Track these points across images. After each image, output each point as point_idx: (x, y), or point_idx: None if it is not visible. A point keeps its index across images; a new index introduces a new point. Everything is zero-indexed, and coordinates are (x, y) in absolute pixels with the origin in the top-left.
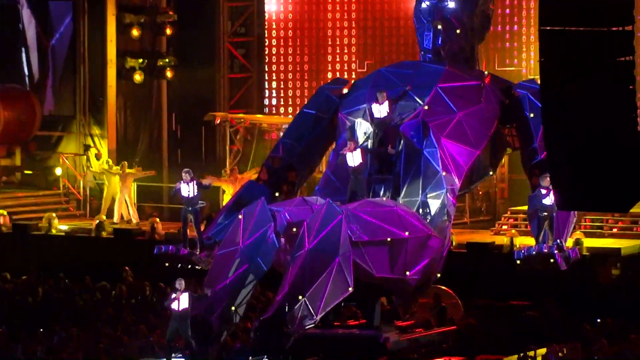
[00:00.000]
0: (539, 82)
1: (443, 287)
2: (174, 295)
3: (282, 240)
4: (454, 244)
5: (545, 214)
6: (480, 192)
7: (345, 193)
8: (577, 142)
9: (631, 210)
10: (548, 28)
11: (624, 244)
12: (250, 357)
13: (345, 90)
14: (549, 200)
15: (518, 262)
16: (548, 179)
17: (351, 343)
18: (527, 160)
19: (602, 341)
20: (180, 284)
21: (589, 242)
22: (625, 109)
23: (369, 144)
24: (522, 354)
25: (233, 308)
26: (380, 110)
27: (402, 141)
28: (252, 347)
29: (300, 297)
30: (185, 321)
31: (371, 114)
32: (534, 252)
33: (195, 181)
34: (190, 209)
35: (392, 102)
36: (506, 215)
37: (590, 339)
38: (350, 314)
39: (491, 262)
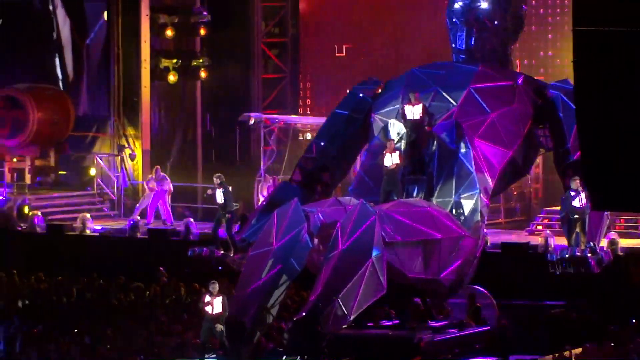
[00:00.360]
0: (572, 82)
1: (478, 287)
2: (207, 299)
3: (316, 240)
4: (488, 244)
5: (577, 216)
6: (515, 193)
7: (379, 193)
8: (611, 143)
9: None
10: (582, 28)
11: None
12: (283, 358)
13: (378, 91)
14: (579, 202)
15: (551, 265)
16: (578, 181)
17: (385, 343)
18: (559, 161)
19: (638, 340)
20: (214, 287)
21: (624, 242)
22: None
23: (402, 144)
24: (557, 354)
25: (266, 309)
26: (413, 111)
27: (435, 142)
28: (286, 348)
29: (333, 298)
30: (219, 323)
31: (404, 115)
32: (566, 256)
33: (223, 187)
34: (223, 212)
35: (423, 102)
36: (541, 215)
37: (624, 338)
38: (383, 314)
39: (526, 262)
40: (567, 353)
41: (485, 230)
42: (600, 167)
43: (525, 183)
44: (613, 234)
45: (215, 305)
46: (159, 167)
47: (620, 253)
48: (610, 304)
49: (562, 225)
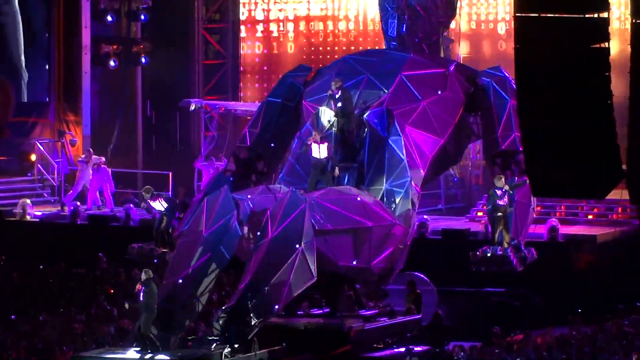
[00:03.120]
0: (503, 70)
1: (418, 274)
2: (138, 287)
3: (245, 228)
4: (428, 230)
5: (500, 214)
6: (455, 179)
7: (308, 181)
8: (552, 129)
9: (607, 197)
10: (523, 14)
11: (599, 231)
12: (213, 346)
13: (309, 78)
14: (502, 201)
15: (473, 264)
16: (503, 179)
17: (315, 332)
18: (488, 149)
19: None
20: (145, 274)
21: (565, 229)
22: (601, 96)
23: (333, 132)
24: (499, 341)
25: (196, 297)
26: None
27: (366, 129)
28: (215, 336)
29: (263, 286)
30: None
31: (333, 103)
32: (488, 254)
33: (159, 197)
34: (165, 213)
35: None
36: (481, 202)
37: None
38: (313, 302)
39: (466, 249)
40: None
41: (416, 217)
42: (541, 153)
43: (466, 169)
44: (554, 221)
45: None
46: (90, 149)
47: (560, 240)
48: (552, 291)
49: (488, 220)
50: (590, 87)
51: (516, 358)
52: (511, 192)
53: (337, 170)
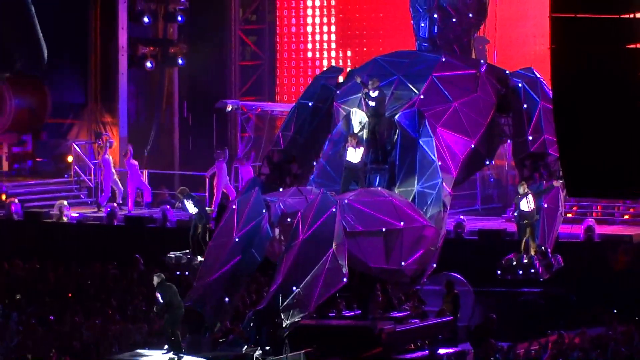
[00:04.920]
0: (535, 71)
1: (455, 274)
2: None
3: (277, 230)
4: (465, 230)
5: (525, 221)
6: (492, 179)
7: (340, 183)
8: (588, 130)
9: None
10: (559, 15)
11: (635, 231)
12: (244, 349)
13: (340, 79)
14: (527, 206)
15: (499, 271)
16: (525, 186)
17: (346, 334)
18: (517, 152)
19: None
20: (158, 277)
21: (601, 229)
22: (635, 97)
23: (364, 133)
24: (533, 341)
25: (227, 299)
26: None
27: (397, 131)
28: (246, 339)
29: (294, 288)
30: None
31: (366, 103)
32: (514, 263)
33: (191, 198)
34: (200, 217)
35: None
36: None
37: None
38: (345, 304)
39: (503, 249)
40: (543, 340)
41: (447, 219)
42: (577, 153)
43: (502, 170)
44: (590, 221)
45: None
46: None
47: (597, 240)
48: (588, 290)
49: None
50: (625, 87)
51: (552, 358)
52: (537, 198)
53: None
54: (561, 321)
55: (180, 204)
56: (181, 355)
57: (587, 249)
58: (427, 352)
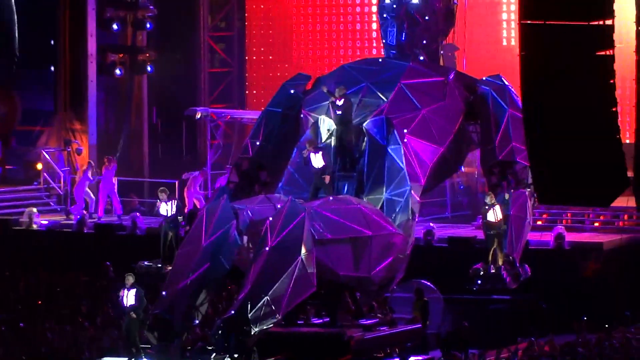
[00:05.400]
0: (503, 78)
1: (425, 282)
2: (122, 292)
3: (245, 238)
4: (434, 238)
5: (493, 231)
6: (462, 187)
7: (309, 190)
8: (558, 137)
9: (612, 205)
10: (529, 22)
11: (605, 239)
12: (212, 356)
13: (308, 87)
14: (494, 217)
15: (467, 282)
16: (492, 196)
17: (315, 341)
18: (485, 159)
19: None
20: (128, 279)
21: (571, 236)
22: (606, 103)
23: (332, 140)
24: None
25: (195, 307)
26: (339, 106)
27: (365, 138)
28: (214, 346)
29: (263, 296)
30: (135, 317)
31: (334, 111)
32: (481, 273)
33: (173, 200)
34: (171, 225)
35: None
36: None
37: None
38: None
39: (473, 256)
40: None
41: (415, 227)
42: (546, 160)
43: (472, 177)
44: (560, 228)
45: (129, 297)
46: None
47: (567, 247)
48: (558, 298)
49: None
50: (595, 94)
51: None
52: (504, 207)
53: (326, 179)
54: (531, 328)
55: (158, 203)
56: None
57: (557, 256)
58: (397, 359)
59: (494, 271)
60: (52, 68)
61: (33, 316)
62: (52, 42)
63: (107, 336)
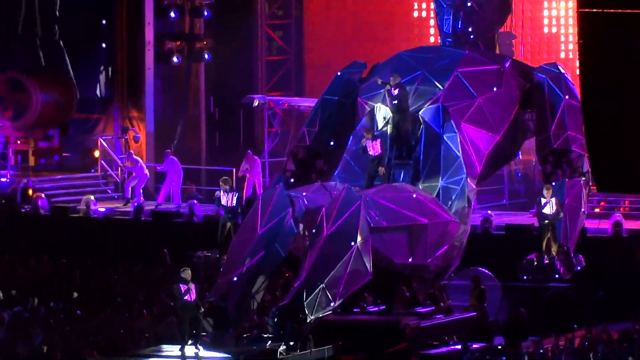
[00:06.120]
0: (559, 66)
1: (482, 269)
2: (185, 287)
3: (301, 226)
4: (492, 225)
5: (547, 222)
6: (519, 174)
7: (364, 178)
8: (616, 124)
9: None
10: (587, 10)
11: None
12: (268, 344)
13: (364, 75)
14: (550, 209)
15: (520, 272)
16: (550, 189)
17: (370, 329)
18: (540, 148)
19: None
20: (186, 274)
21: (629, 224)
22: None
23: (389, 128)
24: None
25: (251, 295)
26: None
27: (421, 126)
28: (270, 334)
29: (318, 284)
30: (197, 310)
31: (390, 99)
32: (535, 264)
33: (234, 192)
34: (229, 216)
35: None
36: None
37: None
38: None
39: (530, 244)
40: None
41: (472, 215)
42: (605, 148)
43: (529, 164)
44: (618, 216)
45: (193, 291)
46: (168, 150)
47: (624, 235)
48: (615, 286)
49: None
50: None
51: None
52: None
53: (381, 171)
54: (587, 316)
55: (220, 193)
56: (206, 349)
57: (615, 244)
58: (460, 346)
59: (547, 262)
60: (110, 56)
61: (90, 305)
62: (110, 30)
63: (163, 324)
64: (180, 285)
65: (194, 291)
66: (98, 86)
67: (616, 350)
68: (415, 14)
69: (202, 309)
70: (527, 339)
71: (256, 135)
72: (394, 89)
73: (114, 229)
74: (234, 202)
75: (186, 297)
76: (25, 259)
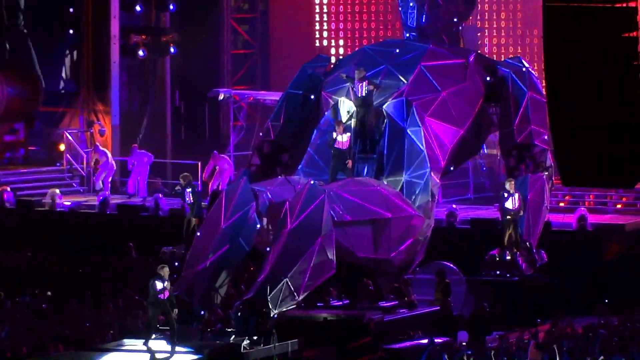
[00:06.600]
0: (524, 60)
1: (447, 264)
2: (160, 285)
3: (264, 220)
4: (457, 219)
5: (509, 217)
6: (484, 168)
7: (328, 172)
8: (581, 119)
9: (635, 186)
10: (552, 4)
11: (627, 220)
12: (231, 338)
13: (328, 69)
14: (512, 204)
15: (482, 269)
16: (513, 183)
17: (334, 324)
18: (503, 142)
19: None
20: (164, 271)
21: (594, 218)
22: (630, 86)
23: (352, 122)
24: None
25: (214, 289)
26: (360, 88)
27: (385, 120)
28: (234, 328)
29: (282, 278)
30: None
31: (354, 93)
32: (497, 259)
33: (191, 187)
34: (194, 211)
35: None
36: None
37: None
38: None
39: (495, 238)
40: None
41: (435, 209)
42: (570, 142)
43: (494, 158)
44: (583, 210)
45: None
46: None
47: (589, 229)
48: (580, 280)
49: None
50: (619, 76)
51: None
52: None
53: (349, 164)
54: (552, 310)
55: (179, 189)
56: (171, 343)
57: (580, 238)
58: (425, 340)
59: (509, 258)
60: (76, 49)
61: (55, 298)
62: (76, 23)
63: (129, 317)
64: (156, 281)
65: (168, 290)
66: (63, 69)
67: (580, 345)
68: (380, 7)
69: (176, 309)
70: (492, 333)
71: (222, 129)
72: (361, 84)
73: (79, 222)
74: (191, 198)
75: (160, 295)
76: None
